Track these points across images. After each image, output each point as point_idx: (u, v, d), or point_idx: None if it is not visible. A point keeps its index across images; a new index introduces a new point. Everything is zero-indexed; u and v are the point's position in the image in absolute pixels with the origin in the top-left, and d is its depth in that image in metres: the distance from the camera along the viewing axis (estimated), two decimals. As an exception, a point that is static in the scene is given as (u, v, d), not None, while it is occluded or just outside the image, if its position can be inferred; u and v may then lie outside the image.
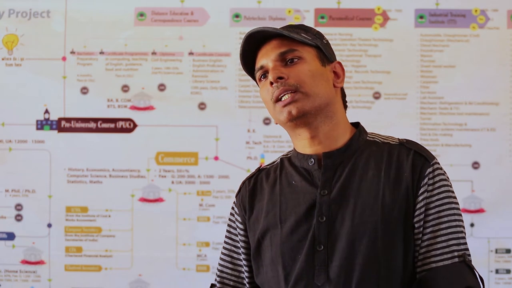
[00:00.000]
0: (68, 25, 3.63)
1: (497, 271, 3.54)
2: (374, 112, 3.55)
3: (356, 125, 1.92)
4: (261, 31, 1.82)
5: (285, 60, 1.82)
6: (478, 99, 3.55)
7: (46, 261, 3.59)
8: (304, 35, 1.85)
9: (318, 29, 1.94)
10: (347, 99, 1.94)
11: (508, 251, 3.54)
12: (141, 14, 3.63)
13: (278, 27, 1.88)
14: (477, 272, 1.76)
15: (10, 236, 3.60)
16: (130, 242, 3.59)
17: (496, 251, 3.54)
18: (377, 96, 3.56)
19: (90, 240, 3.60)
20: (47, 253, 3.59)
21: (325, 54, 1.87)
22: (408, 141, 1.86)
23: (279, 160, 1.97)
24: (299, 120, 1.80)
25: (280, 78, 1.79)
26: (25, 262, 3.60)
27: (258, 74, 1.87)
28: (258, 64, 1.86)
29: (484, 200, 3.52)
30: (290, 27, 1.89)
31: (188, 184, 3.60)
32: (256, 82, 1.91)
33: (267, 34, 1.84)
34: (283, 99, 1.79)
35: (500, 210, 3.52)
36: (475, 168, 3.54)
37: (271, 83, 1.80)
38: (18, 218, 3.60)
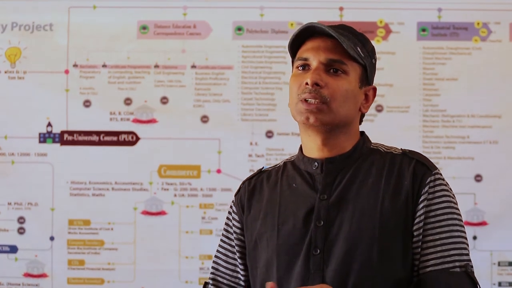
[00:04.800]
0: (71, 38, 3.63)
1: (499, 284, 3.54)
2: (377, 125, 3.54)
3: (361, 133, 1.92)
4: (324, 30, 1.79)
5: (330, 66, 1.79)
6: (481, 112, 3.55)
7: (48, 274, 3.59)
8: (360, 50, 1.82)
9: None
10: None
11: (511, 263, 3.53)
12: (144, 27, 3.63)
13: (342, 23, 1.88)
14: (479, 286, 1.75)
15: (13, 249, 3.60)
16: (132, 255, 3.59)
17: (499, 264, 3.53)
18: (379, 109, 3.56)
19: (92, 253, 3.60)
20: (49, 266, 3.59)
21: (367, 76, 1.86)
22: (410, 151, 1.86)
23: (282, 163, 1.96)
24: (315, 128, 1.80)
25: (317, 84, 1.77)
26: (28, 275, 3.59)
27: (298, 63, 1.84)
28: (303, 54, 1.83)
29: (487, 213, 3.52)
30: (351, 33, 1.85)
31: (191, 197, 3.60)
32: (292, 62, 1.89)
33: (327, 32, 1.80)
34: (308, 101, 1.77)
35: (503, 223, 3.51)
36: (478, 181, 3.53)
37: (306, 83, 1.78)
38: (21, 231, 3.59)
